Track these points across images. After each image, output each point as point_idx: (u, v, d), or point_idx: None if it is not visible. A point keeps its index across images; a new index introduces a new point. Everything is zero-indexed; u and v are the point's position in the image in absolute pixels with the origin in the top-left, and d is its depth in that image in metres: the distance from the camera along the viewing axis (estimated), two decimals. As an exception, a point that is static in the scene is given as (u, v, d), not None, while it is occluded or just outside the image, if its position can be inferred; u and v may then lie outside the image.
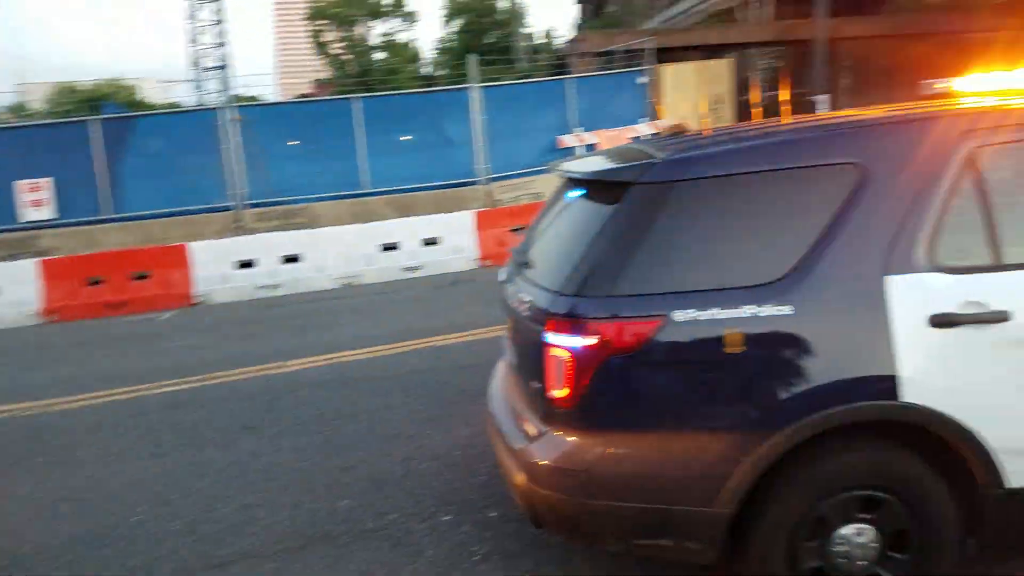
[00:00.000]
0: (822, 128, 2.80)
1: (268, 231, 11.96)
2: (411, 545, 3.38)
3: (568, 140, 14.13)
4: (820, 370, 2.34)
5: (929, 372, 2.33)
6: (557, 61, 21.97)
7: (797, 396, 2.33)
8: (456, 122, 14.10)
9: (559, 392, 2.50)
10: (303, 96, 39.84)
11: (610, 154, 3.21)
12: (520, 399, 2.92)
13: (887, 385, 2.32)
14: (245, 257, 10.28)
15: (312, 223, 12.69)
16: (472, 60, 14.28)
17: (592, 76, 14.91)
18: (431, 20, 46.15)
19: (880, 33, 18.76)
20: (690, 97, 15.12)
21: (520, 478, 2.62)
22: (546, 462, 2.53)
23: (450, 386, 5.44)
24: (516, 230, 10.62)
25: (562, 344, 2.48)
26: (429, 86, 28.14)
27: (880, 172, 2.46)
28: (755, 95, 13.34)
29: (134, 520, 3.90)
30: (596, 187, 2.83)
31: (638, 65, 15.06)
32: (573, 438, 2.51)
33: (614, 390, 2.44)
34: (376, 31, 41.82)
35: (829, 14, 16.48)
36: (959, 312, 2.35)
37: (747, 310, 2.36)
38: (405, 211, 12.73)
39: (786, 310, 2.35)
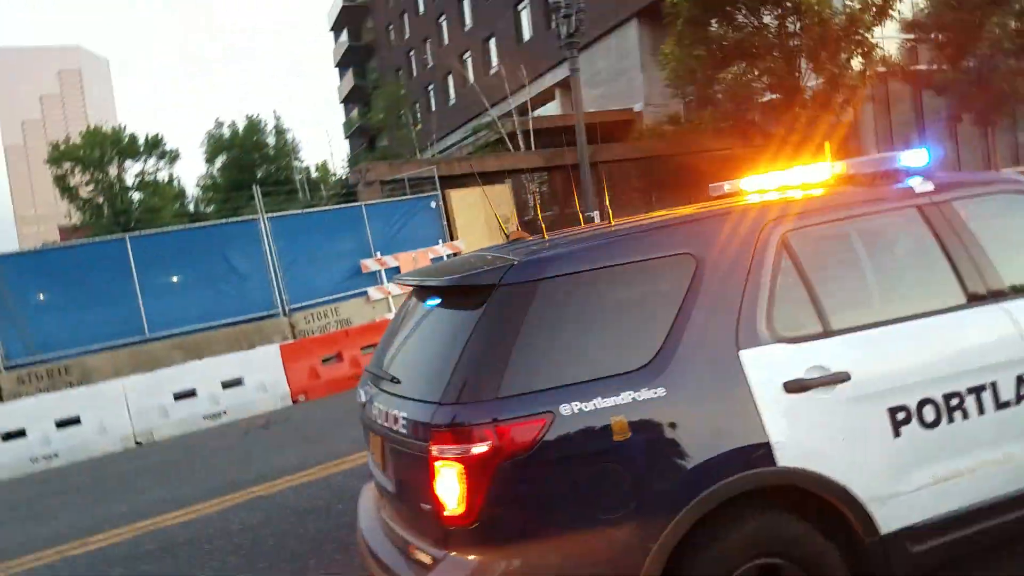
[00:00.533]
0: (654, 225, 3.04)
1: (33, 394, 10.30)
2: None
3: (370, 264, 14.12)
4: (702, 445, 2.44)
5: (795, 435, 2.51)
6: (343, 190, 22.25)
7: (689, 473, 2.40)
8: (246, 254, 13.46)
9: (454, 510, 2.35)
10: (54, 243, 36.03)
11: (460, 262, 3.23)
12: (404, 527, 2.69)
13: (763, 452, 2.46)
14: (11, 427, 8.74)
15: (86, 379, 11.18)
16: (257, 191, 13.96)
17: (386, 203, 15.21)
18: (193, 157, 44.59)
19: (630, 156, 21.44)
20: (479, 217, 16.02)
21: (419, 615, 2.38)
22: (448, 591, 2.32)
23: (291, 536, 4.85)
24: (328, 360, 10.18)
25: (451, 456, 2.35)
26: (195, 222, 26.71)
27: (711, 259, 2.71)
28: (580, 207, 14.68)
29: None
30: (456, 294, 2.81)
31: (423, 192, 15.67)
32: (475, 557, 2.35)
33: (513, 498, 2.35)
34: (132, 171, 39.48)
35: (587, 142, 18.55)
36: (806, 377, 2.58)
37: (627, 396, 2.42)
38: (197, 353, 11.66)
39: (660, 392, 2.45)
